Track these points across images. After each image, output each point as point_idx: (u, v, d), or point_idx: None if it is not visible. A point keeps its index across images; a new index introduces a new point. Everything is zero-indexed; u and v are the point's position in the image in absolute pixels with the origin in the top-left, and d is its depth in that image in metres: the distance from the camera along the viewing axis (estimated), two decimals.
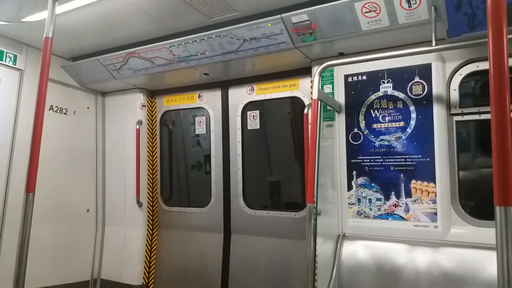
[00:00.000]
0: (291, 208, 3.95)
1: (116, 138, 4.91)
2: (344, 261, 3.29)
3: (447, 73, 3.11)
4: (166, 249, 4.71)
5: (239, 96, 4.32)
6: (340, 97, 3.48)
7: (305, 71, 3.84)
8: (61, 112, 4.56)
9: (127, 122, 4.81)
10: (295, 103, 4.07)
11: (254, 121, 4.22)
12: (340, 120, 3.47)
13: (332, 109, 3.47)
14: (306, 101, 3.88)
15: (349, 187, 3.40)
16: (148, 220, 4.76)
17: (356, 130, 3.41)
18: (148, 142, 4.85)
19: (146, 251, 4.71)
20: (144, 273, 4.64)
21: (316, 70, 3.01)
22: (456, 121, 3.10)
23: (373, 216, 3.31)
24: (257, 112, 4.22)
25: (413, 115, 3.21)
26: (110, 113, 5.02)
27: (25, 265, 2.38)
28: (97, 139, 4.97)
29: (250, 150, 4.31)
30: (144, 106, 4.83)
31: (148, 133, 4.85)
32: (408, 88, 3.23)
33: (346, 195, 3.41)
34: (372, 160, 3.33)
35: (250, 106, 4.28)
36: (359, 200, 3.37)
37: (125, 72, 4.34)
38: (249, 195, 4.25)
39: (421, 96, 3.18)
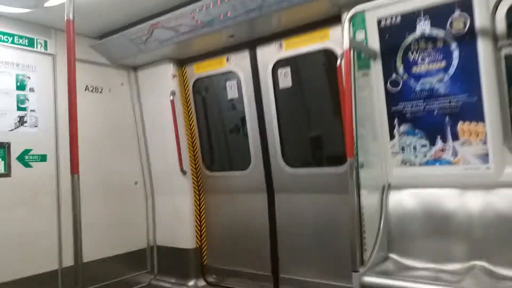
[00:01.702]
0: (333, 163, 3.89)
1: (153, 111, 4.98)
2: (391, 211, 3.24)
3: (490, 2, 2.84)
4: (214, 212, 4.86)
5: (268, 55, 4.19)
6: (374, 43, 3.29)
7: (335, 21, 3.62)
8: (96, 91, 4.66)
9: (161, 94, 4.84)
10: (328, 55, 3.89)
11: (285, 79, 4.11)
12: (377, 68, 3.30)
13: (366, 57, 3.30)
14: (339, 52, 3.69)
15: (392, 136, 3.28)
16: (194, 187, 4.89)
17: (394, 76, 3.23)
18: (184, 112, 4.88)
19: (195, 216, 4.87)
20: (196, 236, 4.83)
21: (346, 17, 2.84)
22: (505, 55, 2.85)
23: (419, 163, 3.19)
24: (288, 69, 4.09)
25: (455, 54, 2.99)
26: (144, 87, 5.07)
27: (81, 239, 2.58)
28: (135, 114, 5.07)
29: (284, 109, 4.23)
30: (175, 76, 4.82)
31: (183, 103, 4.88)
32: (447, 25, 2.99)
33: (389, 145, 3.29)
34: (414, 106, 3.17)
35: (280, 63, 4.15)
36: (403, 149, 3.26)
37: (151, 44, 4.32)
38: (288, 154, 4.22)
39: (462, 32, 2.93)
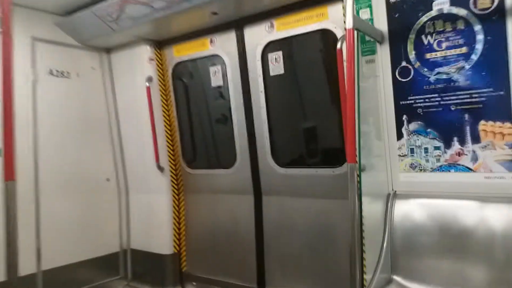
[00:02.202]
0: (329, 164, 3.37)
1: (128, 99, 4.43)
2: (396, 225, 2.75)
3: None
4: (195, 214, 4.34)
5: (257, 36, 3.63)
6: (381, 23, 2.74)
7: None
8: (63, 75, 4.09)
9: (136, 80, 4.29)
10: (326, 37, 3.35)
11: (277, 65, 3.56)
12: (383, 53, 2.76)
13: (372, 39, 2.76)
14: (339, 34, 3.16)
15: (399, 136, 2.76)
16: (172, 185, 4.37)
17: (404, 63, 2.70)
18: (162, 101, 4.34)
19: (174, 217, 4.36)
20: (174, 240, 4.33)
21: None
22: None
23: (431, 168, 2.68)
24: (280, 53, 3.54)
25: (479, 37, 2.45)
26: (118, 72, 4.50)
27: (15, 252, 2.16)
28: (108, 102, 4.51)
29: (275, 100, 3.69)
30: (152, 59, 4.26)
31: (160, 90, 4.32)
32: (471, 2, 2.45)
33: (396, 145, 2.78)
34: (426, 100, 2.65)
35: (271, 47, 3.60)
36: (412, 151, 2.74)
37: (123, 23, 3.75)
38: (278, 151, 3.70)
39: (489, 10, 2.40)
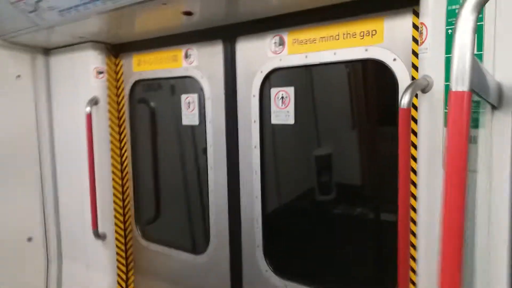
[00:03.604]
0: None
1: (69, 126, 3.03)
2: None
3: None
4: None
5: (256, 57, 2.18)
6: (502, 69, 1.29)
7: (399, 2, 1.65)
8: None
9: (79, 99, 2.89)
10: (375, 76, 1.90)
11: (283, 109, 2.11)
12: (500, 126, 1.31)
13: (478, 99, 1.32)
14: (401, 73, 1.71)
15: None
16: (118, 261, 2.98)
17: None
18: (112, 134, 2.92)
19: None
20: None
21: None
22: None
23: None
24: (291, 91, 2.10)
25: None
26: (57, 84, 3.10)
27: None
28: (40, 128, 3.11)
29: (277, 165, 2.27)
30: (101, 73, 2.85)
31: (111, 119, 2.91)
32: None
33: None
34: None
35: (277, 77, 2.16)
36: None
37: (46, 15, 2.34)
38: (275, 250, 2.26)
39: None
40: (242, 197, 2.32)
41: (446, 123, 1.39)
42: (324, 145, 2.15)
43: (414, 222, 1.60)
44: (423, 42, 1.49)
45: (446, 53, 1.40)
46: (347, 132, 2.05)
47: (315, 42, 1.97)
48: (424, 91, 1.47)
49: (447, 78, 1.40)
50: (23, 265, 3.04)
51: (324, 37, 1.95)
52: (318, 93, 2.14)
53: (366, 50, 1.82)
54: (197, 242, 2.67)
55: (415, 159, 1.59)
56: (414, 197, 1.60)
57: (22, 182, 3.03)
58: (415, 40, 1.66)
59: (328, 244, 2.19)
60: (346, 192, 2.10)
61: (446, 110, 1.41)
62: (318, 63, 1.97)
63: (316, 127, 2.13)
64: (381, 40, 1.79)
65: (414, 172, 1.59)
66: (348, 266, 2.15)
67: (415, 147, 1.59)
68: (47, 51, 3.10)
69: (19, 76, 2.99)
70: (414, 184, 1.59)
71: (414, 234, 1.61)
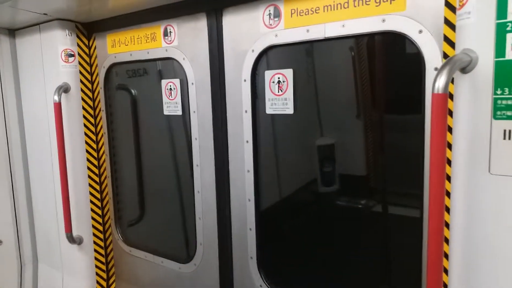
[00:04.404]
0: None
1: (39, 114, 2.67)
2: None
3: None
4: None
5: (247, 32, 1.80)
6: None
7: None
8: None
9: (47, 88, 2.53)
10: (394, 53, 1.53)
11: (280, 95, 1.75)
12: None
13: None
14: (429, 47, 1.34)
15: None
16: (98, 267, 2.66)
17: None
18: (86, 126, 2.56)
19: None
20: None
21: None
22: None
23: None
24: (289, 73, 1.73)
25: None
26: (24, 69, 2.73)
27: None
28: (7, 119, 2.76)
29: (272, 163, 1.91)
30: (72, 55, 2.47)
31: (85, 108, 2.55)
32: None
33: None
34: None
35: (272, 57, 1.79)
36: None
37: None
38: (271, 261, 1.93)
39: None
40: (232, 199, 1.97)
41: (495, 113, 1.03)
42: (329, 137, 1.79)
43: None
44: (463, 5, 1.11)
45: (498, 18, 1.03)
46: (361, 123, 1.68)
47: (318, 12, 1.59)
48: (464, 70, 1.10)
49: (500, 52, 1.03)
50: None
51: (329, 5, 1.57)
52: (322, 75, 1.77)
53: (384, 20, 1.44)
54: (182, 249, 2.33)
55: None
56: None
57: None
58: (449, 5, 1.28)
59: (332, 251, 1.85)
60: (365, 192, 1.76)
61: (496, 96, 1.05)
62: (322, 38, 1.59)
63: (319, 118, 1.76)
64: (403, 8, 1.41)
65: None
66: (358, 271, 1.81)
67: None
68: (12, 32, 2.73)
69: None
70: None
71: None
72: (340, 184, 1.81)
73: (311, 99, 1.77)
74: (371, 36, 1.54)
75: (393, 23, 1.42)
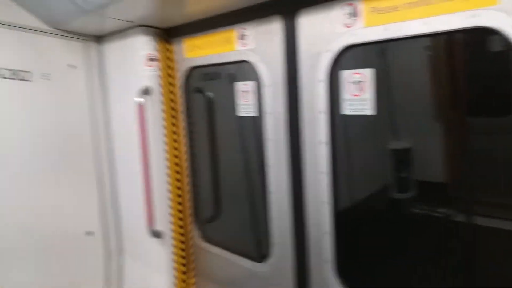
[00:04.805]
0: None
1: (124, 117, 2.88)
2: None
3: None
4: None
5: (323, 33, 1.78)
6: None
7: None
8: (19, 77, 2.64)
9: (130, 89, 2.71)
10: (485, 52, 1.43)
11: (358, 96, 1.71)
12: None
13: None
14: None
15: None
16: (177, 261, 2.80)
17: None
18: (167, 127, 2.70)
19: None
20: None
21: None
22: None
23: None
24: (369, 73, 1.68)
25: None
26: (110, 73, 2.95)
27: None
28: (95, 119, 3.00)
29: (348, 163, 1.88)
30: (153, 60, 2.62)
31: (166, 110, 2.69)
32: None
33: None
34: None
35: (350, 57, 1.75)
36: None
37: None
38: (350, 265, 1.90)
39: None
40: (307, 201, 1.97)
41: None
42: (405, 141, 1.72)
43: None
44: None
45: None
46: (443, 125, 1.60)
47: (398, 10, 1.53)
48: None
49: None
50: (82, 258, 2.99)
51: (411, 2, 1.50)
52: (402, 75, 1.70)
53: (474, 16, 1.35)
54: (257, 248, 2.38)
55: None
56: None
57: (80, 175, 2.95)
58: None
59: (410, 259, 1.78)
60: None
61: None
62: (403, 36, 1.52)
63: (397, 119, 1.70)
64: (494, 1, 1.31)
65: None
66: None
67: None
68: (99, 39, 2.96)
69: (73, 65, 2.88)
70: None
71: None
72: (417, 191, 1.74)
73: (389, 99, 1.71)
74: (456, 33, 1.44)
75: (485, 18, 1.32)
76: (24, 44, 2.66)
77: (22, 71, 2.65)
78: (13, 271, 2.65)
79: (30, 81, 2.68)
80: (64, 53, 2.83)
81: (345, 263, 1.89)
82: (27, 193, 2.70)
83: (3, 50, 2.56)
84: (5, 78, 2.57)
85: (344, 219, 1.91)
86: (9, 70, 2.59)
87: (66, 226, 2.89)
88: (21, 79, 2.65)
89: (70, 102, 2.86)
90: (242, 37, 2.16)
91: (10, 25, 2.58)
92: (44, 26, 2.71)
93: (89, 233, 3.01)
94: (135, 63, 2.64)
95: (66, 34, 2.81)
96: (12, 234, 2.65)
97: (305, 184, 1.97)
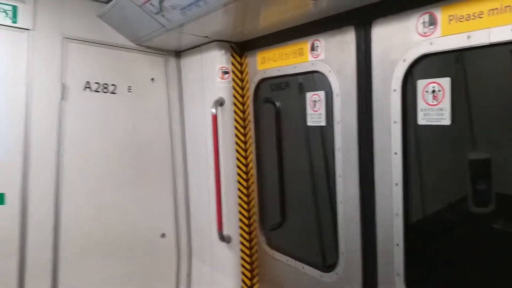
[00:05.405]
0: None
1: (196, 128, 3.05)
2: None
3: None
4: None
5: (398, 42, 1.77)
6: None
7: None
8: (105, 90, 2.90)
9: (205, 101, 2.86)
10: None
11: (435, 105, 1.66)
12: None
13: None
14: None
15: None
16: (244, 266, 2.87)
17: None
18: (237, 136, 2.81)
19: None
20: None
21: None
22: None
23: None
24: (446, 83, 1.63)
25: None
26: (187, 85, 3.14)
27: None
28: (173, 129, 3.19)
29: (422, 174, 1.83)
30: (226, 72, 2.75)
31: (237, 120, 2.80)
32: None
33: None
34: None
35: (425, 67, 1.72)
36: None
37: (170, 15, 2.32)
38: (419, 277, 1.83)
39: None
40: (378, 212, 1.94)
41: None
42: (484, 151, 1.64)
43: None
44: None
45: None
46: None
47: (481, 17, 1.48)
48: None
49: None
50: (156, 259, 3.16)
51: (495, 8, 1.45)
52: (481, 84, 1.64)
53: None
54: (324, 257, 2.37)
55: None
56: None
57: (158, 181, 3.15)
58: None
59: (487, 277, 1.67)
60: None
61: None
62: (486, 44, 1.47)
63: (476, 130, 1.63)
64: None
65: None
66: None
67: None
68: (178, 53, 3.16)
69: (153, 79, 3.10)
70: None
71: None
72: (498, 205, 1.64)
73: (468, 109, 1.65)
74: None
75: None
76: (112, 60, 2.92)
77: (109, 84, 2.92)
78: (94, 266, 2.87)
79: (115, 93, 2.94)
80: (146, 68, 3.07)
81: (416, 276, 1.82)
82: (113, 196, 2.93)
83: (94, 65, 2.84)
84: (92, 91, 2.85)
85: (417, 232, 1.85)
86: (97, 83, 2.87)
87: (145, 228, 3.10)
88: (107, 92, 2.91)
89: (150, 112, 3.09)
90: (314, 48, 2.20)
91: (100, 43, 2.85)
92: (129, 43, 2.97)
93: (163, 235, 3.19)
94: (210, 75, 2.79)
95: (148, 50, 3.05)
96: (97, 233, 2.89)
97: (376, 194, 1.94)
